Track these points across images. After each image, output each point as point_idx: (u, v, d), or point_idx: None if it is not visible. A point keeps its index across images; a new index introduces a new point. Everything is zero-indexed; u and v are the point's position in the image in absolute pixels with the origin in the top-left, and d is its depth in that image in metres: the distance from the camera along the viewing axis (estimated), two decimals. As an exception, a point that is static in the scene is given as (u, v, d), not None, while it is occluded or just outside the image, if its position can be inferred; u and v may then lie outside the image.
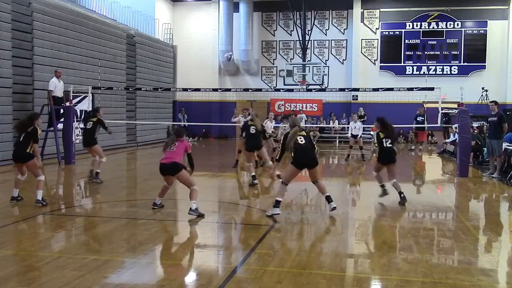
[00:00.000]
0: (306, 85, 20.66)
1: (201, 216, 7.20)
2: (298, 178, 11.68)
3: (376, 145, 8.86)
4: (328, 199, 7.57)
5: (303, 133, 7.57)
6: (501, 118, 11.75)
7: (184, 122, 22.80)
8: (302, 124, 21.98)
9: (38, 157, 8.07)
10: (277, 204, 7.32)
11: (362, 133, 16.81)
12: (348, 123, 20.33)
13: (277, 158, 7.81)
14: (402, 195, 8.48)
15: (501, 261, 5.64)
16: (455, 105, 18.82)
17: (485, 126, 15.14)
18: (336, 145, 22.87)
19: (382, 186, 8.88)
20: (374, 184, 9.73)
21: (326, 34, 25.55)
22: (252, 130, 10.90)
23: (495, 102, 12.30)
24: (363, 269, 5.16)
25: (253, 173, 10.68)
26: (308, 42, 24.18)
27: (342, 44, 25.46)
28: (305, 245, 6.12)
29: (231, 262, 5.44)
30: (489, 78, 23.56)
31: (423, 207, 8.54)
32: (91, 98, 15.50)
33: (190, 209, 7.19)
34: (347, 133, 18.57)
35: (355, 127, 16.03)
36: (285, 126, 18.31)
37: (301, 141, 7.38)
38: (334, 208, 7.50)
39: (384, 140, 8.62)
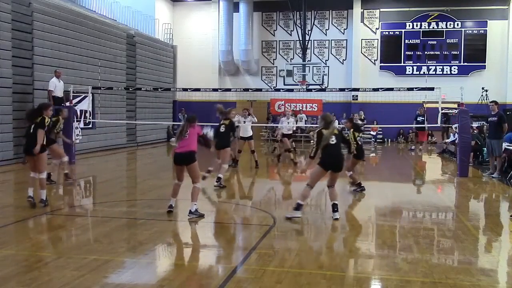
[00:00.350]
0: (306, 85, 20.66)
1: (201, 216, 7.17)
2: (298, 178, 11.73)
3: (354, 144, 9.67)
4: (334, 207, 7.23)
5: (336, 131, 7.21)
6: (501, 118, 11.74)
7: (184, 122, 22.79)
8: (302, 124, 22.06)
9: (39, 143, 7.66)
10: (298, 207, 7.09)
11: (362, 133, 16.72)
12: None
13: (311, 155, 7.27)
14: (359, 182, 9.72)
15: (501, 261, 5.64)
16: (455, 105, 18.80)
17: (485, 126, 15.14)
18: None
19: (360, 183, 9.72)
20: (374, 184, 9.75)
21: (326, 34, 25.54)
22: (222, 128, 10.63)
23: (495, 102, 12.30)
24: (363, 269, 5.16)
25: (220, 175, 10.10)
26: (308, 42, 24.17)
27: (342, 44, 25.45)
28: (305, 245, 6.12)
29: (231, 262, 5.44)
30: (489, 78, 23.55)
31: (423, 207, 8.54)
32: (91, 98, 15.51)
33: (190, 211, 7.11)
34: (347, 132, 18.53)
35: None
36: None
37: (332, 141, 7.05)
38: (336, 219, 7.16)
39: (357, 138, 9.79)
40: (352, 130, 9.86)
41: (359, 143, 9.80)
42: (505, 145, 12.02)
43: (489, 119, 12.46)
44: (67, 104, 14.42)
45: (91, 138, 16.96)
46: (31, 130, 7.78)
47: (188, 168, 7.22)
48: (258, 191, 10.63)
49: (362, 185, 9.70)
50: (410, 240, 6.23)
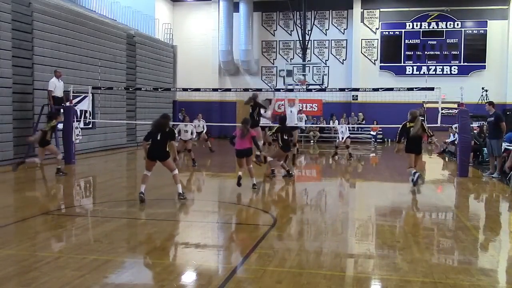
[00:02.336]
0: (306, 85, 20.62)
1: (258, 189, 9.47)
2: (298, 178, 11.73)
3: (276, 137, 11.35)
4: (415, 174, 9.74)
5: (415, 124, 10.07)
6: (498, 118, 11.77)
7: (184, 122, 22.76)
8: (302, 124, 22.02)
9: (175, 152, 8.63)
10: (413, 173, 9.78)
11: (362, 134, 16.81)
12: (348, 123, 20.40)
13: (396, 141, 11.13)
14: (288, 169, 11.45)
15: (501, 261, 5.64)
16: (455, 105, 18.77)
17: (485, 126, 15.15)
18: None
19: (289, 171, 11.42)
20: (374, 184, 9.75)
21: (326, 34, 25.55)
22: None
23: (490, 103, 12.36)
24: (363, 269, 5.16)
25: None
26: (308, 42, 24.17)
27: (342, 44, 25.46)
28: (305, 245, 6.12)
29: (231, 262, 5.44)
30: (489, 78, 23.55)
31: (423, 207, 8.54)
32: (91, 98, 15.51)
33: (253, 184, 9.69)
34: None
35: (342, 131, 16.54)
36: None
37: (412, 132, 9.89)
38: (419, 177, 9.70)
39: (285, 135, 11.31)
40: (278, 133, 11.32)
41: (285, 138, 11.32)
42: (505, 145, 12.02)
43: (487, 119, 12.48)
44: (67, 104, 14.44)
45: (91, 138, 16.96)
46: (159, 138, 8.27)
47: (246, 159, 9.85)
48: (259, 191, 10.61)
49: (291, 172, 11.43)
50: (410, 240, 6.23)
